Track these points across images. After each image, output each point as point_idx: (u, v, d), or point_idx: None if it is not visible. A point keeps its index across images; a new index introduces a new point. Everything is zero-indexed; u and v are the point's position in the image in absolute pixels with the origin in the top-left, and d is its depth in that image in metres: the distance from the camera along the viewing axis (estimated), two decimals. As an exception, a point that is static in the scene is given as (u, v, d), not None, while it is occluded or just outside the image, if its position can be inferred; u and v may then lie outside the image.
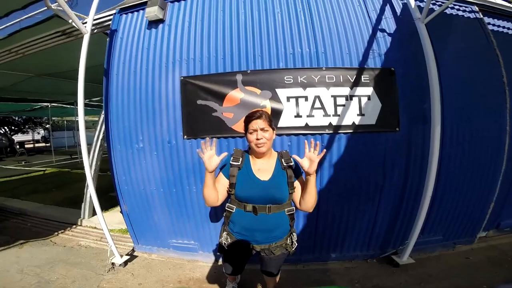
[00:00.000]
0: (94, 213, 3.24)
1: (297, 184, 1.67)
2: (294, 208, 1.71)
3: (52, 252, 3.19)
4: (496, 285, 2.14)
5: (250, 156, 1.71)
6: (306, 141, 1.56)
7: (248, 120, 1.61)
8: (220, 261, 2.78)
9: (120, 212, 3.11)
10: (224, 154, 1.57)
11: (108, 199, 4.11)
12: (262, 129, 1.57)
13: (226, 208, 1.72)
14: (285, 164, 1.65)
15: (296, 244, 1.77)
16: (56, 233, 3.71)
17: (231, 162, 1.67)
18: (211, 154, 1.52)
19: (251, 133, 1.59)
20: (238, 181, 1.63)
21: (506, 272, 2.45)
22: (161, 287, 2.52)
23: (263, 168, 1.65)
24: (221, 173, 1.70)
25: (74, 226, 3.92)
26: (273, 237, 1.68)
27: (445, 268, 2.59)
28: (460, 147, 2.65)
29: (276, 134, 2.48)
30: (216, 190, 1.62)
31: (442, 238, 2.87)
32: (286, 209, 1.66)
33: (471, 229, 2.93)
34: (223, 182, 1.68)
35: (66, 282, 2.58)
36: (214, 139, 1.58)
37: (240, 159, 1.67)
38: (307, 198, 1.58)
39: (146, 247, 3.11)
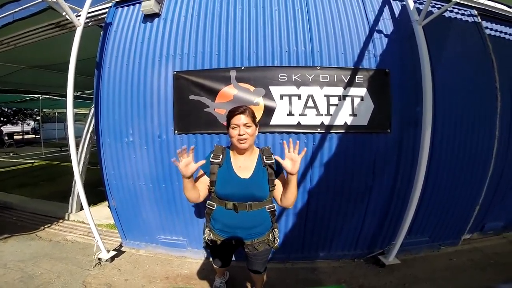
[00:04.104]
0: (82, 207, 3.20)
1: (277, 181, 1.66)
2: (274, 205, 1.70)
3: (37, 246, 3.13)
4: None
5: (231, 153, 1.68)
6: (284, 141, 1.53)
7: (231, 114, 1.57)
8: (209, 258, 2.77)
9: (108, 207, 3.07)
10: (202, 162, 1.52)
11: (97, 194, 4.05)
12: (244, 125, 1.54)
13: (207, 206, 1.71)
14: (266, 161, 1.63)
15: (279, 240, 1.77)
16: (42, 227, 3.64)
17: (211, 159, 1.63)
18: (188, 161, 1.45)
19: (233, 128, 1.55)
20: (218, 179, 1.60)
21: (488, 275, 2.50)
22: (148, 283, 2.50)
23: (244, 165, 1.63)
24: (201, 170, 1.67)
25: (61, 221, 3.86)
26: (254, 233, 1.68)
27: (430, 269, 2.63)
28: (449, 150, 2.68)
29: (268, 132, 2.50)
30: (196, 190, 1.60)
31: (428, 239, 2.91)
32: (266, 206, 1.65)
33: (456, 231, 2.99)
34: (204, 180, 1.65)
35: (51, 277, 2.53)
36: (193, 146, 1.52)
37: (221, 156, 1.63)
38: (288, 196, 1.57)
39: (134, 242, 3.07)
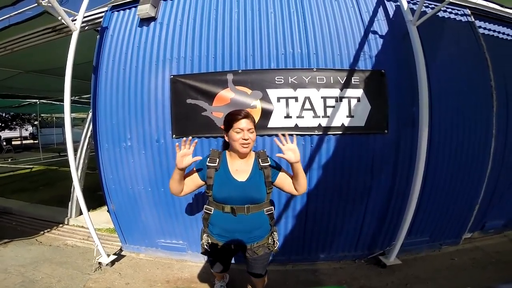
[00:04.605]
0: (81, 212, 3.20)
1: (282, 175, 1.69)
2: (272, 207, 1.71)
3: (38, 251, 3.12)
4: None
5: (227, 156, 1.68)
6: (275, 139, 1.59)
7: (234, 118, 1.57)
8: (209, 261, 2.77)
9: (108, 211, 3.07)
10: (198, 158, 1.57)
11: (96, 198, 4.05)
12: (248, 130, 1.55)
13: (205, 210, 1.71)
14: (262, 164, 1.64)
15: (278, 243, 1.77)
16: (42, 232, 3.63)
17: (207, 163, 1.64)
18: (186, 153, 1.52)
19: (238, 132, 1.55)
20: (215, 183, 1.61)
21: (490, 273, 2.50)
22: (149, 287, 2.50)
23: (241, 169, 1.63)
24: (194, 169, 1.69)
25: (60, 225, 3.85)
26: (253, 237, 1.67)
27: (431, 269, 2.63)
28: (447, 149, 2.69)
29: (266, 135, 2.51)
30: (182, 184, 1.63)
31: (429, 239, 2.91)
32: (265, 209, 1.66)
33: (457, 231, 2.98)
34: (195, 180, 1.68)
35: (51, 281, 2.53)
36: (196, 140, 1.59)
37: (217, 160, 1.64)
38: (301, 182, 1.63)
39: (134, 246, 3.07)
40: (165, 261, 2.89)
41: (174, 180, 1.59)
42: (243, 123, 1.55)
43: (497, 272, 2.51)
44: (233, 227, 1.63)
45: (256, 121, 2.41)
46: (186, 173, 1.66)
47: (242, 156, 1.63)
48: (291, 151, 1.53)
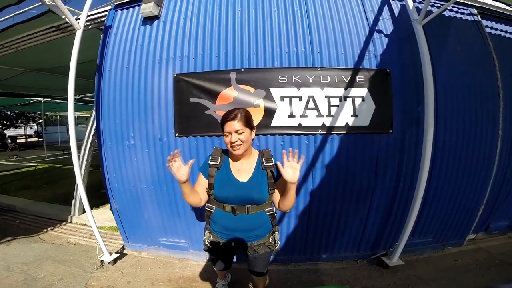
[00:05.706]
0: (84, 210, 3.21)
1: (281, 181, 1.62)
2: (274, 208, 1.68)
3: (40, 249, 3.14)
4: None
5: (229, 155, 1.66)
6: (284, 151, 1.48)
7: (222, 122, 1.53)
8: (211, 260, 2.77)
9: (110, 209, 3.08)
10: (192, 161, 1.51)
11: (100, 196, 4.07)
12: (236, 131, 1.49)
13: (206, 208, 1.70)
14: (265, 164, 1.60)
15: (279, 243, 1.75)
16: (45, 230, 3.66)
17: (209, 162, 1.63)
18: (178, 166, 1.46)
19: (226, 135, 1.52)
20: (216, 182, 1.59)
21: (493, 275, 2.47)
22: (151, 285, 2.50)
23: (243, 168, 1.61)
24: (200, 174, 1.67)
25: (63, 223, 3.87)
26: (254, 236, 1.66)
27: (434, 270, 2.61)
28: (452, 149, 2.66)
29: (269, 134, 2.49)
30: (196, 194, 1.60)
31: (432, 240, 2.89)
32: (266, 209, 1.63)
33: (461, 231, 2.96)
34: (203, 183, 1.65)
35: (54, 279, 2.54)
36: (179, 149, 1.53)
37: (219, 159, 1.62)
38: (286, 203, 1.55)
39: (136, 245, 3.08)
40: (167, 260, 2.90)
41: (186, 194, 1.55)
42: (229, 126, 1.50)
43: (501, 273, 2.49)
44: (233, 225, 1.62)
45: (259, 120, 2.43)
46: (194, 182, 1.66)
47: (238, 157, 1.60)
48: (292, 169, 1.43)
